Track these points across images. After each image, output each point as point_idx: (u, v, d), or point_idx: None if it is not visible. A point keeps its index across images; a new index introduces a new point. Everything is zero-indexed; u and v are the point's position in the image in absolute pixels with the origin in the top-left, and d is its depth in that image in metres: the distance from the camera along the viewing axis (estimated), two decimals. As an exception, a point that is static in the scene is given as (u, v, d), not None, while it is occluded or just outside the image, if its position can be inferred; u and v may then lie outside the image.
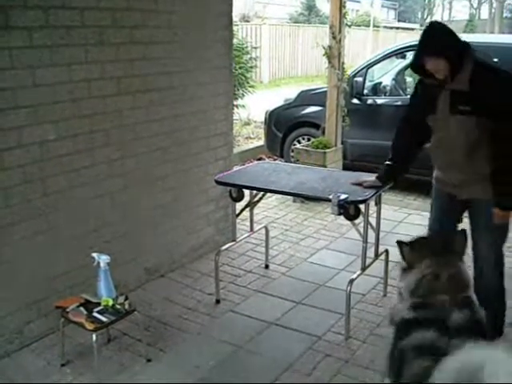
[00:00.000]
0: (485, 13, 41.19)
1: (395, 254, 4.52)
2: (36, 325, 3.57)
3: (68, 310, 3.26)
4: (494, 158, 3.12)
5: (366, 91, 7.31)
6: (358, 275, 3.85)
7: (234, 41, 6.56)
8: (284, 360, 3.44)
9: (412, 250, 2.56)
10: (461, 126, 3.15)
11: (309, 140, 7.17)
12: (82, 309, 3.26)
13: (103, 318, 3.18)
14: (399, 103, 6.86)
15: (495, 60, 6.45)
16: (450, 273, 2.40)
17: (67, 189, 3.64)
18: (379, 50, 9.33)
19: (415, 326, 2.27)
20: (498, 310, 3.47)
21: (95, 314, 3.20)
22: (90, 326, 3.13)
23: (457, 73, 3.06)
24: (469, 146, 3.18)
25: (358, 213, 3.59)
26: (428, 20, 42.08)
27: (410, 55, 7.51)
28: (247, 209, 4.49)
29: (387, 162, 3.64)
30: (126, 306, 3.31)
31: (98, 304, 3.27)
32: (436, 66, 3.06)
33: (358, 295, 4.15)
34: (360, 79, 7.23)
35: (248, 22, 19.65)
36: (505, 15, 36.60)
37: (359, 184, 3.78)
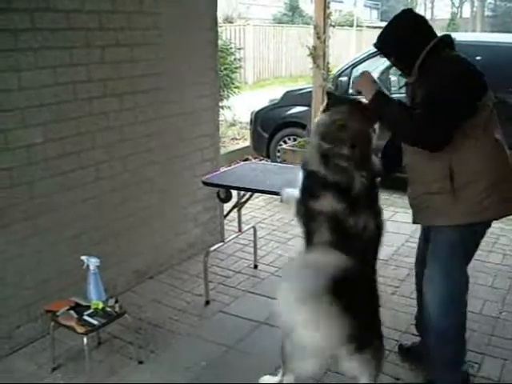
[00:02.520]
0: (467, 11, 41.55)
1: (383, 252, 4.55)
2: (26, 329, 3.55)
3: (58, 313, 3.24)
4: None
5: (351, 91, 7.35)
6: (347, 273, 3.87)
7: (219, 42, 6.57)
8: (275, 359, 3.45)
9: (334, 97, 2.96)
10: None
11: (295, 140, 7.20)
12: (72, 312, 3.24)
13: (94, 321, 3.17)
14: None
15: (478, 58, 6.52)
16: (356, 127, 2.70)
17: (55, 192, 3.63)
18: (363, 49, 9.38)
19: (323, 186, 2.64)
20: (436, 360, 3.03)
21: (86, 317, 3.19)
22: (80, 330, 3.12)
23: (412, 66, 2.81)
24: (417, 153, 2.78)
25: None
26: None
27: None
28: (235, 209, 4.51)
29: None
30: (117, 309, 3.31)
31: (88, 307, 3.26)
32: (388, 60, 2.98)
33: (346, 293, 4.16)
34: (345, 79, 7.27)
35: (232, 23, 19.63)
36: (486, 14, 36.94)
37: None
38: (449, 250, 2.87)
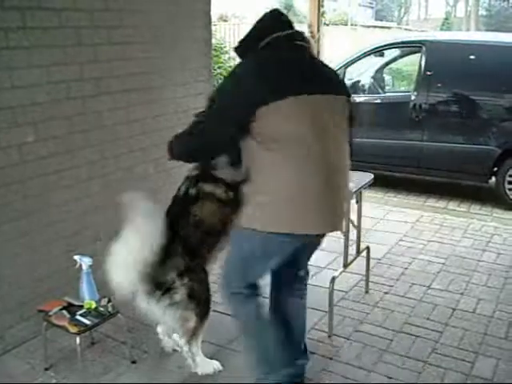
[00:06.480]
0: (461, 10, 41.61)
1: (377, 251, 4.55)
2: (18, 329, 3.54)
3: (50, 313, 3.23)
4: None
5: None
6: (340, 273, 3.88)
7: (213, 40, 6.56)
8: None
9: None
10: None
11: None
12: (64, 312, 3.23)
13: (86, 321, 3.16)
14: (378, 101, 6.91)
15: (472, 57, 6.55)
16: None
17: (47, 191, 3.61)
18: (357, 48, 9.40)
19: None
20: None
21: (78, 317, 3.18)
22: (73, 329, 3.10)
23: None
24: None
25: None
26: (405, 18, 42.47)
27: (387, 53, 7.58)
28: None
29: None
30: (109, 309, 3.29)
31: (81, 307, 3.25)
32: None
33: (340, 292, 4.17)
34: (339, 78, 7.26)
35: (226, 21, 19.59)
36: (480, 13, 36.99)
37: None
38: (241, 252, 2.96)
